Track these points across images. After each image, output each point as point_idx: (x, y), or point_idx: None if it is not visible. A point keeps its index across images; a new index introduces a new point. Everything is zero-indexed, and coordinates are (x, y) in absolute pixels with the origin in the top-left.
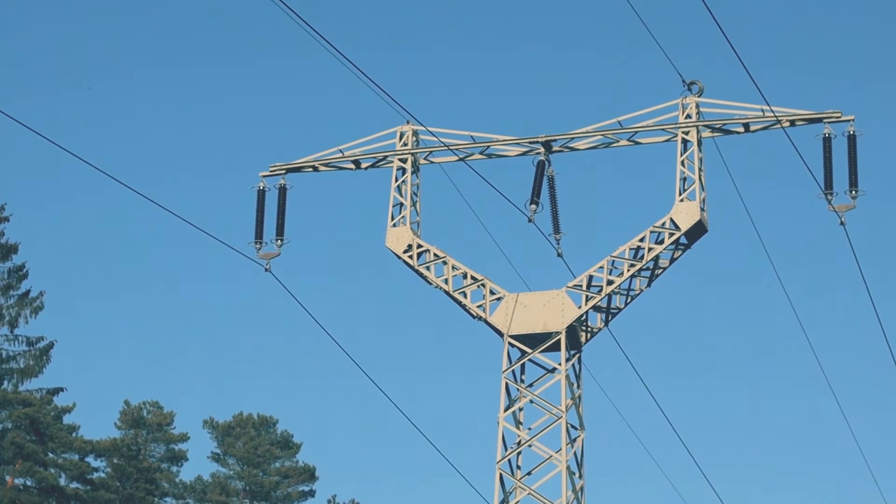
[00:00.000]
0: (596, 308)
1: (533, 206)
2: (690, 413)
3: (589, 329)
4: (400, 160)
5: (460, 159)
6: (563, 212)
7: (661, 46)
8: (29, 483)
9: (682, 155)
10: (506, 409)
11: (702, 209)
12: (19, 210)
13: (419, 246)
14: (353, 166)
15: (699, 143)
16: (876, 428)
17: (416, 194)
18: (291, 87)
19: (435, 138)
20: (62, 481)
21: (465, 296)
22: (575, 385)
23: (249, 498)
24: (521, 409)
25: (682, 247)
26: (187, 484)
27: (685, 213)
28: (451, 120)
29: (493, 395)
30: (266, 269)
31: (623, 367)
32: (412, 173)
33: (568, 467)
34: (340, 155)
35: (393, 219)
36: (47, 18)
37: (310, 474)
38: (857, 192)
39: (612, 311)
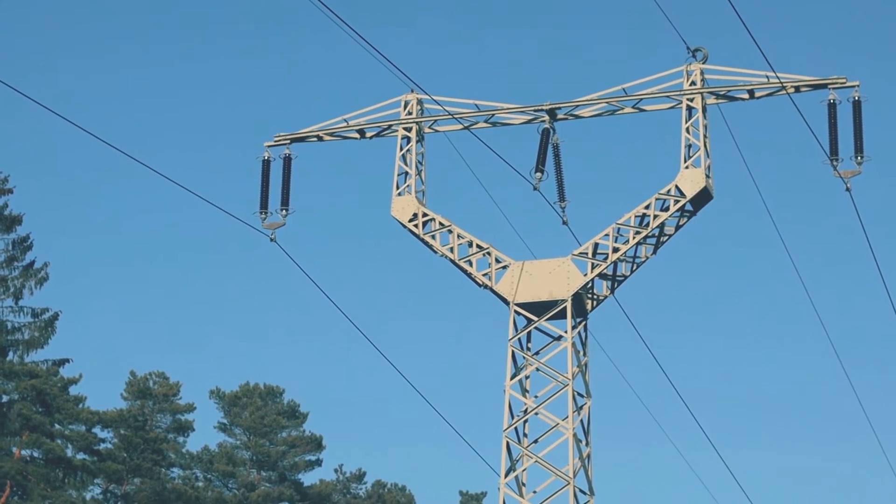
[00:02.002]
0: (602, 275)
1: (538, 174)
2: (696, 379)
3: (595, 296)
4: (405, 129)
5: (465, 128)
6: (568, 179)
7: (665, 14)
8: (36, 454)
9: (686, 122)
10: (512, 378)
11: (707, 176)
12: (23, 181)
13: (424, 215)
14: (357, 136)
15: (704, 109)
16: (881, 391)
17: (420, 163)
18: (296, 56)
19: (439, 107)
20: (69, 452)
21: (471, 264)
22: (581, 352)
23: (256, 468)
24: (527, 377)
25: (688, 214)
26: (194, 454)
27: (690, 180)
28: (455, 89)
29: (499, 364)
30: (271, 240)
31: (629, 335)
32: (417, 142)
33: (574, 435)
34: (345, 124)
35: (398, 188)
36: None
37: (316, 444)
38: (862, 157)
39: (617, 278)
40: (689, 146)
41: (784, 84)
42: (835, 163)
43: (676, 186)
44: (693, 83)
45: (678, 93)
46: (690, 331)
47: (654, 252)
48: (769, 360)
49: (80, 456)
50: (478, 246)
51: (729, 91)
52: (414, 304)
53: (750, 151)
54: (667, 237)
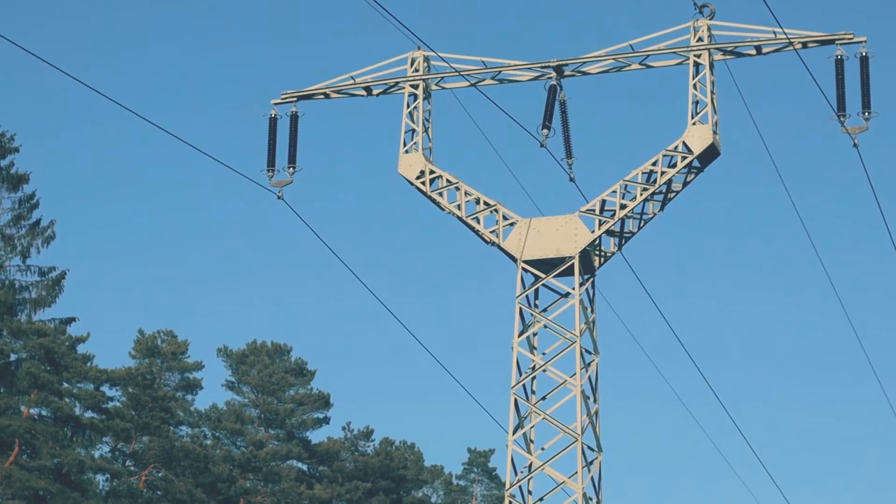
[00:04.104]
0: (609, 232)
1: (545, 131)
2: (703, 336)
3: (602, 253)
4: (411, 86)
5: (472, 85)
6: (575, 136)
7: None
8: (44, 413)
9: (693, 78)
10: (520, 335)
11: (714, 132)
12: (29, 140)
13: (432, 172)
14: (364, 93)
15: (711, 66)
16: (887, 346)
17: (427, 120)
18: (303, 14)
19: (446, 64)
20: (77, 411)
21: (478, 221)
22: (589, 309)
23: (264, 425)
24: (535, 335)
25: (695, 170)
26: (202, 412)
27: (698, 137)
28: (462, 45)
29: (507, 321)
30: (279, 197)
31: (636, 291)
32: (424, 99)
33: (582, 391)
34: (352, 82)
35: (405, 145)
36: None
37: (324, 401)
38: (869, 113)
39: (625, 235)
40: (697, 102)
41: (791, 40)
42: (842, 119)
43: (684, 143)
44: (700, 39)
45: (685, 49)
46: (698, 287)
47: (662, 209)
48: (776, 315)
49: (89, 414)
50: (485, 203)
51: (736, 47)
52: (421, 261)
53: (757, 108)
54: (674, 194)
